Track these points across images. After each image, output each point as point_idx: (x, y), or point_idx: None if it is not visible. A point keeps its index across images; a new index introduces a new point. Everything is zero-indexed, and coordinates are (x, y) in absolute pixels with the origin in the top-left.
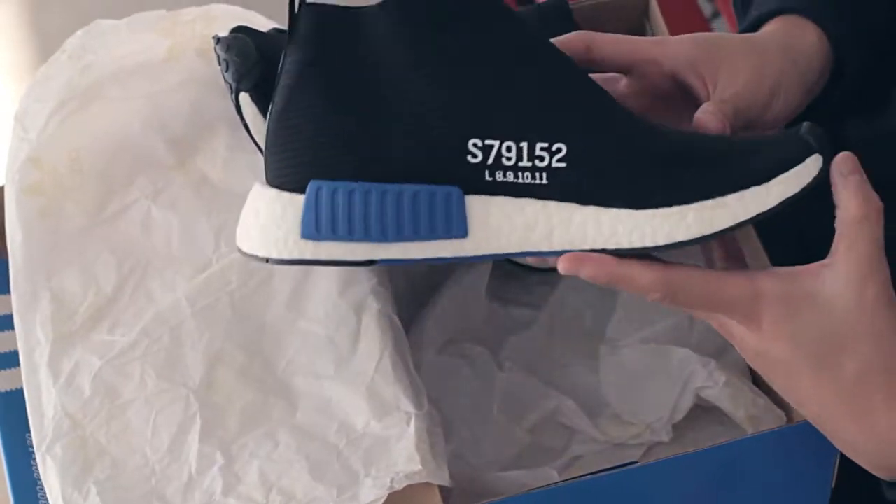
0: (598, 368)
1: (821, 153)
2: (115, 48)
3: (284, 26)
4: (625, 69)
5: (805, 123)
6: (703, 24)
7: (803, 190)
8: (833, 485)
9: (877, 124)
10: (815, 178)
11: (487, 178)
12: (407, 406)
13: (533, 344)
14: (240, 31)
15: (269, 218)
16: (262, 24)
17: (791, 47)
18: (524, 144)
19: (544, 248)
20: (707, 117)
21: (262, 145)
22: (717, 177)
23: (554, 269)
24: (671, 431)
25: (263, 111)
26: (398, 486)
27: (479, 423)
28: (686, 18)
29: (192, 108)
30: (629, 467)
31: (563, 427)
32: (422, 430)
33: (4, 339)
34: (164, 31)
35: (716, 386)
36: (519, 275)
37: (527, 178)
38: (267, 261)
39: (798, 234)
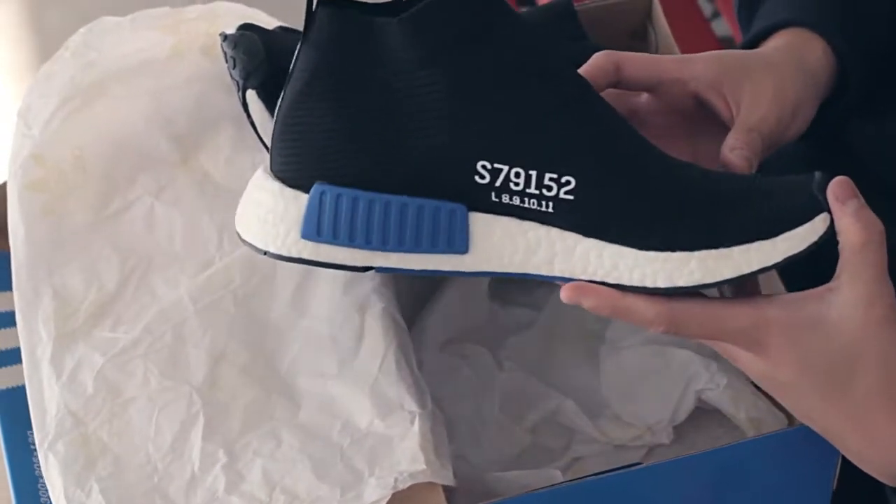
0: (599, 370)
1: (830, 211)
2: (118, 45)
3: (288, 24)
4: (650, 88)
5: (817, 175)
6: (704, 24)
7: (809, 247)
8: (834, 487)
9: (881, 126)
10: (821, 237)
11: (493, 198)
12: (411, 405)
13: (533, 344)
14: (246, 28)
15: (270, 212)
16: (266, 22)
17: (804, 62)
18: (533, 173)
19: (544, 273)
20: (732, 157)
21: (269, 143)
22: (726, 226)
23: None
24: (672, 433)
25: (270, 109)
26: (402, 486)
27: (480, 422)
28: (686, 18)
29: (196, 105)
30: (633, 468)
31: (563, 428)
32: (426, 430)
33: (5, 336)
34: (168, 29)
35: (717, 388)
36: None
37: (533, 204)
38: (265, 253)
39: None
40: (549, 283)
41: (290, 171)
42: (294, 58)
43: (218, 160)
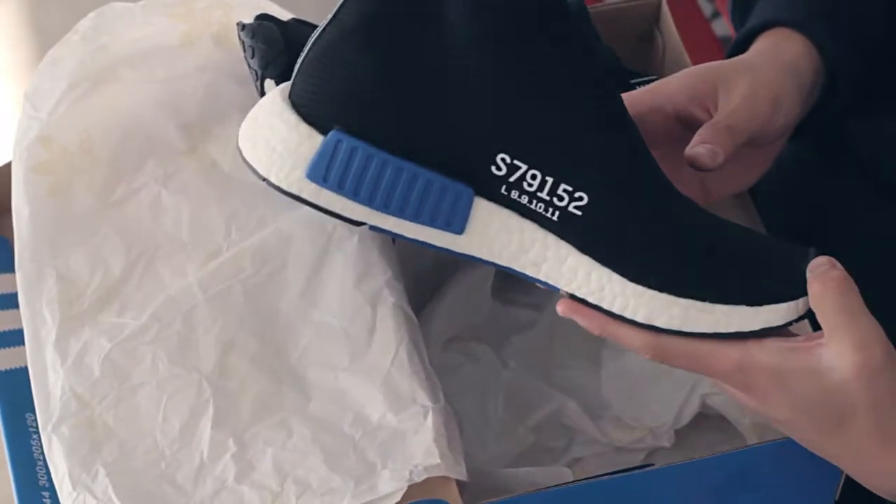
0: (600, 371)
1: None
2: (129, 31)
3: (299, 17)
4: None
5: (811, 253)
6: (704, 24)
7: (788, 324)
8: (837, 497)
9: (881, 126)
10: (800, 317)
11: (503, 191)
12: (423, 399)
13: (535, 344)
14: (263, 18)
15: (281, 142)
16: (279, 13)
17: (783, 58)
18: (550, 179)
19: (529, 273)
20: (694, 152)
21: None
22: (716, 282)
23: None
24: (673, 437)
25: None
26: (417, 479)
27: (484, 420)
28: (686, 18)
29: (206, 94)
30: (642, 470)
31: (564, 428)
32: (439, 424)
33: (5, 318)
34: (179, 17)
35: (721, 393)
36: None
37: (539, 207)
38: (263, 180)
39: (799, 230)
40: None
41: (311, 107)
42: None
43: (226, 150)
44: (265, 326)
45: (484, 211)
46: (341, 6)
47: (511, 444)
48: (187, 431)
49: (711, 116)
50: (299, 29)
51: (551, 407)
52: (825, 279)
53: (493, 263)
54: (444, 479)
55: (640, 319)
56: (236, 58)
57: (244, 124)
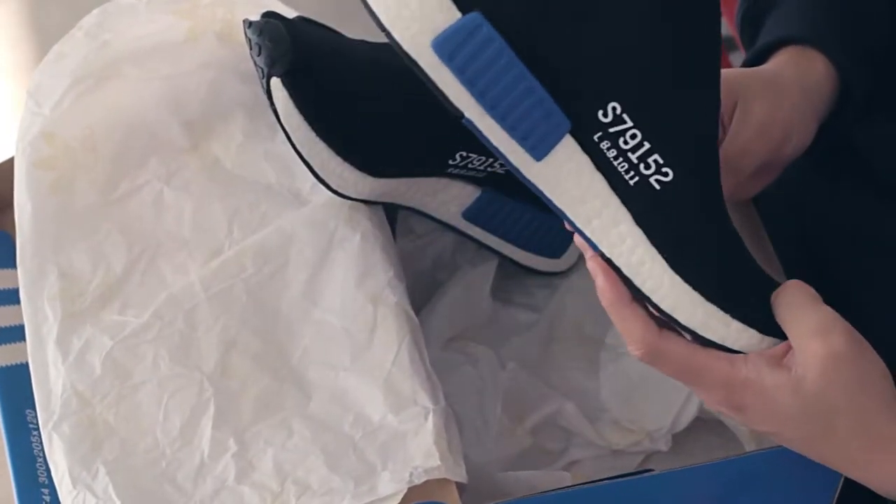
0: (598, 374)
1: None
2: (132, 27)
3: (303, 14)
4: None
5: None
6: None
7: None
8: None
9: (884, 128)
10: None
11: (595, 138)
12: (424, 401)
13: (534, 346)
14: (269, 16)
15: (418, 2)
16: (282, 10)
17: (803, 81)
18: (647, 145)
19: (578, 224)
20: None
21: (291, 132)
22: (741, 299)
23: (555, 273)
24: (670, 441)
25: (294, 97)
26: (417, 481)
27: (482, 422)
28: None
29: (210, 91)
30: (642, 475)
31: (561, 430)
32: (440, 426)
33: (5, 314)
34: (183, 14)
35: None
36: (520, 276)
37: (623, 168)
38: (385, 31)
39: (800, 232)
40: (550, 286)
41: None
42: None
43: (229, 148)
44: (266, 326)
45: (568, 150)
46: None
47: (509, 445)
48: (188, 430)
49: (724, 129)
50: (305, 27)
51: (549, 409)
52: (776, 292)
53: (549, 201)
54: (444, 481)
55: (664, 307)
56: (240, 55)
57: None
